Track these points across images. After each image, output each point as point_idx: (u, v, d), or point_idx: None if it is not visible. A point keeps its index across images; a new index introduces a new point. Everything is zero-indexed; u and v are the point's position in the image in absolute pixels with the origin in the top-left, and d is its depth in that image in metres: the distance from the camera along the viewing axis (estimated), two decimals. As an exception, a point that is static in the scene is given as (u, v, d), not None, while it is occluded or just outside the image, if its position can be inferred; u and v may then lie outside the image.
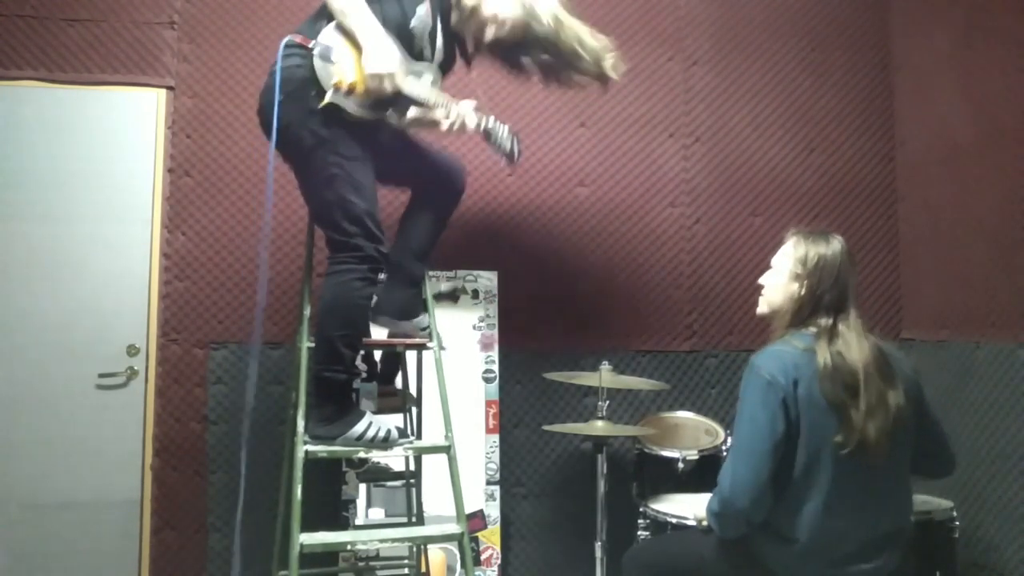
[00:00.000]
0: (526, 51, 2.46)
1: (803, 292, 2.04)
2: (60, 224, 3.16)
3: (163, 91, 3.27)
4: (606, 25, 3.51)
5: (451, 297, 3.22)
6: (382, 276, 2.41)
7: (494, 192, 3.42)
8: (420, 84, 2.29)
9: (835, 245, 2.06)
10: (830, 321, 1.99)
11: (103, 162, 3.20)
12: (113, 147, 3.21)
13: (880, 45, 3.70)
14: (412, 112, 2.31)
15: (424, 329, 2.50)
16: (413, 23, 2.27)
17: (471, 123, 2.35)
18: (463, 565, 2.21)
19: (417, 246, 2.49)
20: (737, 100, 3.61)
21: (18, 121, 3.16)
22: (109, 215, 3.20)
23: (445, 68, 2.48)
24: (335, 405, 2.21)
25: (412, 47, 2.30)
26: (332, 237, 2.27)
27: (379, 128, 2.31)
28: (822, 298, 2.01)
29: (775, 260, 2.15)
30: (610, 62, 2.49)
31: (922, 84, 3.48)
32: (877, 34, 3.70)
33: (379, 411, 2.51)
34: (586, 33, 2.45)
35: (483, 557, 3.12)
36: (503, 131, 2.40)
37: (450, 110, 2.32)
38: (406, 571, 2.94)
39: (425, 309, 2.52)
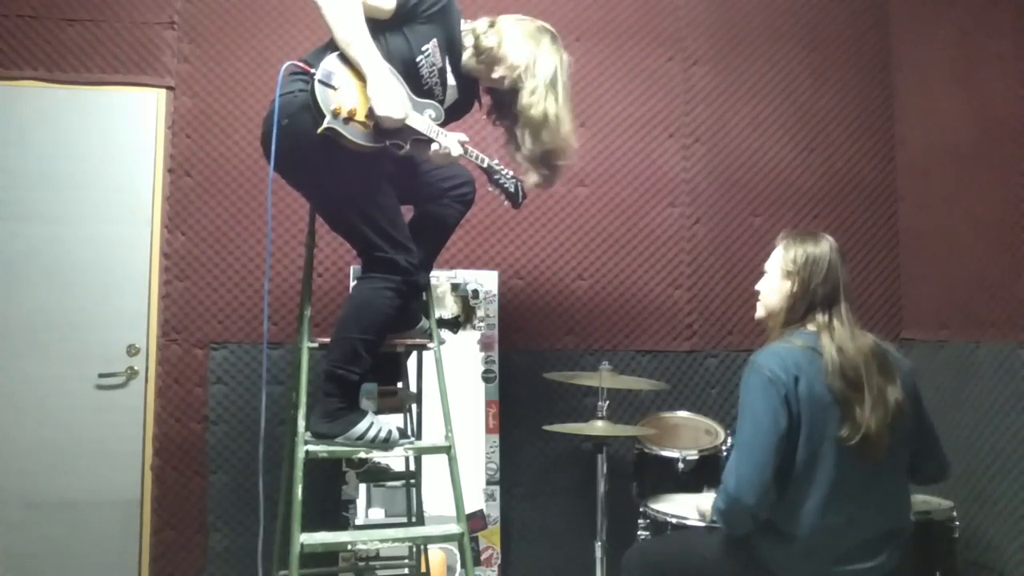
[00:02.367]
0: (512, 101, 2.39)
1: (796, 288, 2.06)
2: (60, 224, 3.16)
3: (163, 91, 3.27)
4: (606, 25, 3.55)
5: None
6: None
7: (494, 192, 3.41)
8: (422, 118, 2.27)
9: (823, 243, 2.09)
10: (826, 317, 2.01)
11: (103, 162, 3.20)
12: (113, 147, 3.22)
13: (880, 45, 3.70)
14: (410, 146, 2.30)
15: (425, 331, 2.50)
16: (419, 59, 2.26)
17: (455, 152, 2.32)
18: (463, 565, 2.21)
19: (427, 259, 2.48)
20: (737, 100, 3.61)
21: (18, 121, 3.16)
22: (109, 215, 3.20)
23: (460, 110, 2.47)
24: (341, 402, 2.21)
25: (419, 83, 2.28)
26: (365, 254, 2.26)
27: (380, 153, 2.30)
28: (816, 293, 2.04)
29: (768, 265, 2.19)
30: (538, 176, 2.38)
31: (922, 84, 3.48)
32: (877, 34, 3.70)
33: (379, 411, 2.51)
34: (560, 124, 2.33)
35: (483, 557, 3.12)
36: (507, 173, 2.46)
37: (440, 141, 2.30)
38: (406, 571, 2.94)
39: (425, 312, 2.51)
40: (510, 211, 3.42)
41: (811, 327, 2.02)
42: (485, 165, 2.44)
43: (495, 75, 2.35)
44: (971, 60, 3.17)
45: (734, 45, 3.63)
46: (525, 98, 2.32)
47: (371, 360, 2.26)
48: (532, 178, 2.41)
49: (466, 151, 2.37)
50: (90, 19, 3.23)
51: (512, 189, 2.48)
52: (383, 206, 2.24)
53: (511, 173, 2.48)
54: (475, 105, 2.52)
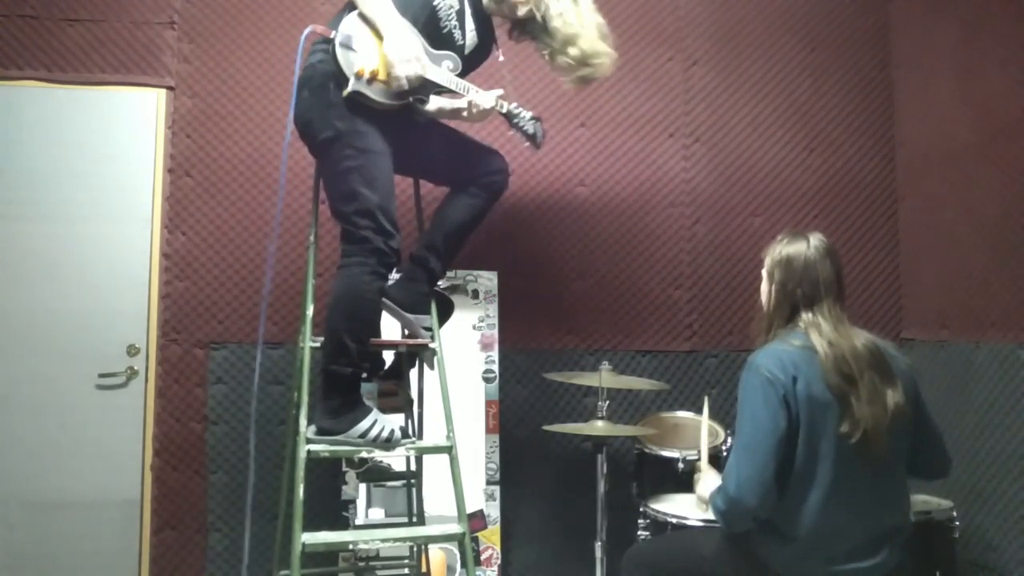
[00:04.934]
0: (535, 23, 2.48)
1: (775, 289, 2.09)
2: (60, 224, 3.16)
3: (163, 91, 3.27)
4: (606, 25, 3.54)
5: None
6: (395, 274, 2.42)
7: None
8: (441, 70, 2.31)
9: (800, 242, 2.08)
10: (810, 315, 2.02)
11: (103, 162, 3.20)
12: (113, 147, 3.21)
13: (880, 45, 3.70)
14: (435, 100, 2.33)
15: (427, 329, 2.49)
16: (437, 2, 2.30)
17: (487, 103, 2.38)
18: (463, 565, 2.22)
19: (443, 243, 2.47)
20: (737, 100, 3.61)
21: (18, 121, 3.16)
22: (109, 215, 3.19)
23: (480, 53, 2.50)
24: (341, 399, 2.22)
25: (438, 28, 2.32)
26: (344, 229, 2.28)
27: (408, 119, 2.32)
28: (794, 292, 2.04)
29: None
30: (593, 69, 2.49)
31: (922, 84, 3.48)
32: (877, 34, 3.70)
33: (380, 411, 2.51)
34: (590, 29, 2.45)
35: (483, 557, 3.12)
36: (525, 115, 2.49)
37: (470, 95, 2.36)
38: (406, 571, 2.94)
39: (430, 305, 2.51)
40: (510, 211, 3.42)
41: (802, 327, 2.02)
42: (505, 110, 2.46)
43: (520, 12, 2.43)
44: (971, 60, 3.17)
45: (734, 45, 3.63)
46: (555, 22, 2.41)
47: (361, 349, 2.25)
48: (572, 78, 2.52)
49: (497, 102, 2.42)
50: (90, 19, 3.23)
51: (531, 131, 2.50)
52: (376, 187, 2.24)
53: (530, 115, 2.51)
54: (491, 53, 2.55)
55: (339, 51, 2.16)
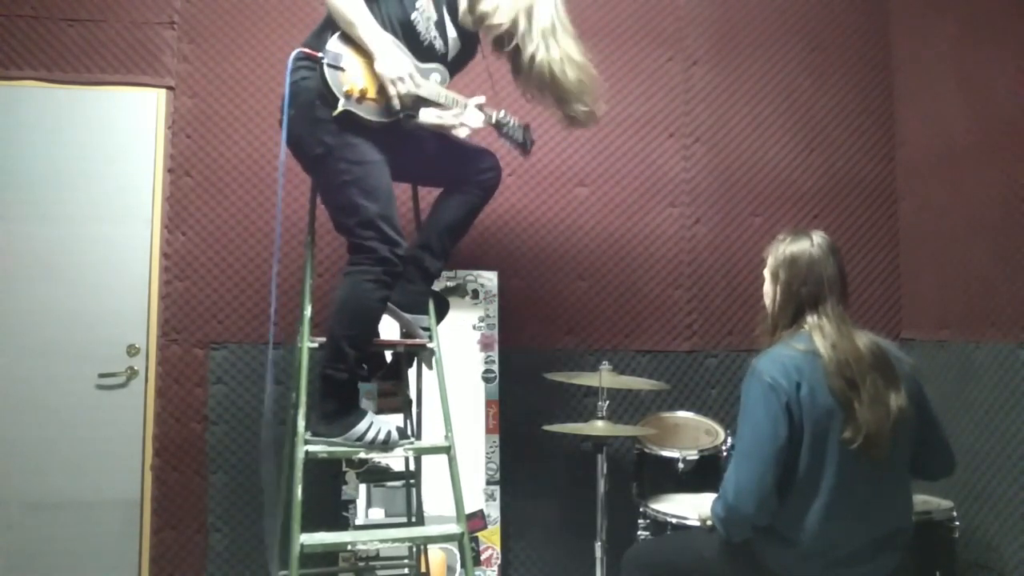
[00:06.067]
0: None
1: (780, 289, 2.06)
2: (60, 224, 3.16)
3: (163, 91, 3.27)
4: (606, 25, 3.55)
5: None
6: None
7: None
8: (430, 84, 2.31)
9: (803, 241, 2.06)
10: (815, 317, 2.00)
11: (103, 162, 3.20)
12: (113, 147, 3.22)
13: (880, 45, 3.70)
14: (425, 114, 2.33)
15: (425, 329, 2.49)
16: (414, 16, 2.30)
17: (479, 121, 2.39)
18: (463, 565, 2.22)
19: (437, 242, 2.47)
20: (737, 100, 3.61)
21: (18, 121, 3.16)
22: (109, 215, 3.20)
23: (463, 60, 2.49)
24: (336, 403, 2.22)
25: (419, 41, 2.31)
26: (348, 240, 2.28)
27: (397, 128, 2.32)
28: (799, 292, 2.02)
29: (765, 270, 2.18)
30: (583, 107, 2.39)
31: (922, 84, 3.48)
32: (877, 34, 3.70)
33: (379, 411, 2.51)
34: (571, 64, 2.34)
35: (483, 557, 3.12)
36: (514, 122, 2.50)
37: (461, 108, 2.36)
38: (406, 571, 2.94)
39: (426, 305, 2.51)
40: (510, 211, 3.43)
41: (806, 329, 2.00)
42: (494, 120, 2.46)
43: (492, 36, 2.40)
44: (971, 60, 3.17)
45: (734, 45, 3.63)
46: (528, 52, 2.32)
47: (358, 355, 2.26)
48: (563, 120, 2.46)
49: (486, 116, 2.42)
50: (90, 19, 3.23)
51: (520, 139, 2.51)
52: (375, 196, 2.24)
53: (518, 123, 2.51)
54: (477, 53, 2.53)
55: (327, 71, 2.17)
